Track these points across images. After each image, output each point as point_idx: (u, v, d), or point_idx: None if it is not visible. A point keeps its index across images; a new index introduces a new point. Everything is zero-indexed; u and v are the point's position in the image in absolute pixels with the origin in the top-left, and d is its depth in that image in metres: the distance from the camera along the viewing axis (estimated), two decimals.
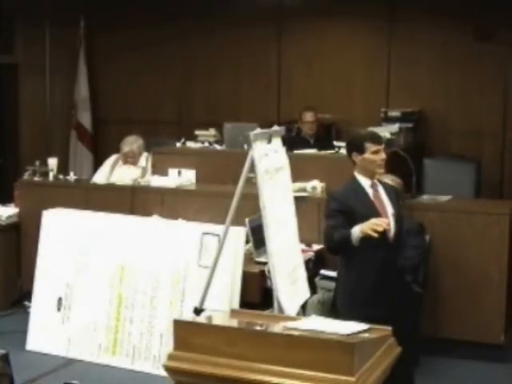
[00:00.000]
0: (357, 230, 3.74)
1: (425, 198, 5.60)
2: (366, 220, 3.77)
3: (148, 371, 4.98)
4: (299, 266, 4.58)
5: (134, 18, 8.35)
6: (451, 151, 7.16)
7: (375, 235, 3.68)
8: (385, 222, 3.75)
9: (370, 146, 3.91)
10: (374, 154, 3.92)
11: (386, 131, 6.18)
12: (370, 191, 3.95)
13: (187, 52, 8.22)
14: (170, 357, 3.00)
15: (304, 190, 5.53)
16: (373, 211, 3.87)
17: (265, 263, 4.58)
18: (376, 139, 3.97)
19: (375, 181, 3.98)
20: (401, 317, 3.77)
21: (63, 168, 7.01)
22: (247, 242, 5.01)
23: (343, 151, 5.83)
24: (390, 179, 4.50)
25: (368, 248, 3.83)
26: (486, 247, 5.12)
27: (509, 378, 4.99)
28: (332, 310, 4.56)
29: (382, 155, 3.94)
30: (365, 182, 3.95)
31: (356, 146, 3.95)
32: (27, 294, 5.73)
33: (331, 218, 3.90)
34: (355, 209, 3.84)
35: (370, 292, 3.87)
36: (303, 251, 5.00)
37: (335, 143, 6.06)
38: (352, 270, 3.96)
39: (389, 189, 4.05)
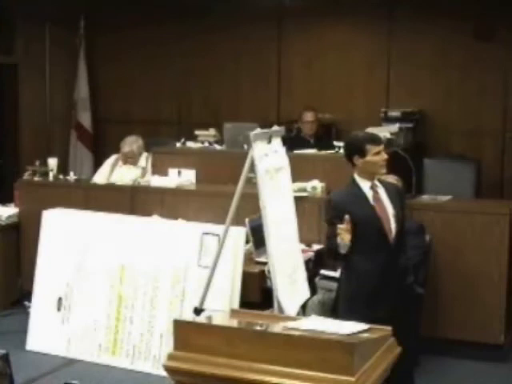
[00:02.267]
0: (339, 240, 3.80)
1: (425, 197, 5.60)
2: (365, 224, 3.82)
3: (148, 371, 4.98)
4: (299, 266, 4.57)
5: (134, 18, 8.34)
6: (451, 151, 7.16)
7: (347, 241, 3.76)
8: (341, 228, 3.78)
9: (371, 148, 3.91)
10: (376, 156, 3.92)
11: (385, 131, 6.19)
12: (369, 194, 3.94)
13: (187, 52, 8.22)
14: (170, 357, 3.00)
15: (304, 190, 5.53)
16: (372, 215, 3.88)
17: (265, 263, 4.58)
18: (376, 140, 3.96)
19: (375, 182, 3.97)
20: (402, 318, 3.77)
21: (63, 168, 7.02)
22: (247, 241, 5.01)
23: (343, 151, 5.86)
24: (394, 179, 4.50)
25: (369, 249, 3.84)
26: (486, 247, 5.12)
27: (509, 378, 4.99)
28: (333, 311, 4.57)
29: (384, 155, 3.94)
30: (364, 184, 3.95)
31: (357, 150, 3.94)
32: (27, 294, 5.73)
33: (329, 227, 3.93)
34: (354, 214, 3.82)
35: (372, 294, 3.87)
36: (303, 251, 4.99)
37: (335, 143, 6.06)
38: (353, 271, 3.95)
39: (390, 188, 4.03)
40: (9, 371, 3.17)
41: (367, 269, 3.87)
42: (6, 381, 3.12)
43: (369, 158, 3.90)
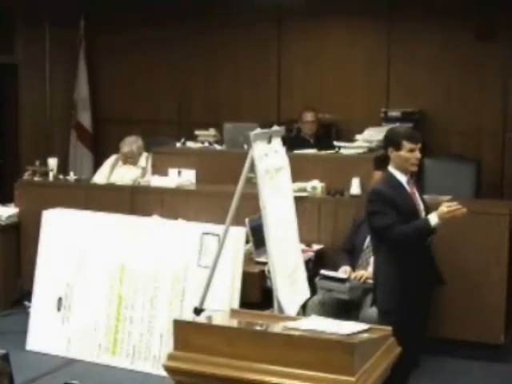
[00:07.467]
0: (435, 218, 3.92)
1: (425, 198, 5.58)
2: (407, 215, 3.95)
3: (148, 371, 4.98)
4: (299, 266, 4.57)
5: (134, 18, 8.34)
6: (451, 151, 7.16)
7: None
8: (453, 204, 3.95)
9: (407, 144, 4.02)
10: (410, 152, 4.03)
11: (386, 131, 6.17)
12: (406, 186, 4.08)
13: (187, 52, 8.22)
14: (170, 357, 3.00)
15: (304, 189, 5.53)
16: (412, 206, 4.04)
17: (265, 263, 4.58)
18: (413, 138, 4.07)
19: (409, 177, 4.10)
20: (429, 304, 4.12)
21: (63, 168, 7.02)
22: (247, 241, 5.01)
23: (343, 151, 5.87)
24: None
25: None
26: (486, 247, 5.11)
27: (509, 378, 4.99)
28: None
29: (417, 154, 4.05)
30: (401, 177, 4.07)
31: (393, 142, 4.07)
32: (27, 294, 5.73)
33: (386, 216, 3.96)
34: (398, 203, 3.96)
35: (411, 284, 3.97)
36: (303, 251, 5.00)
37: (335, 143, 6.07)
38: (393, 263, 4.02)
39: (416, 185, 4.20)
40: (9, 371, 3.17)
41: (412, 254, 3.98)
42: (6, 381, 3.12)
43: (402, 152, 4.02)
